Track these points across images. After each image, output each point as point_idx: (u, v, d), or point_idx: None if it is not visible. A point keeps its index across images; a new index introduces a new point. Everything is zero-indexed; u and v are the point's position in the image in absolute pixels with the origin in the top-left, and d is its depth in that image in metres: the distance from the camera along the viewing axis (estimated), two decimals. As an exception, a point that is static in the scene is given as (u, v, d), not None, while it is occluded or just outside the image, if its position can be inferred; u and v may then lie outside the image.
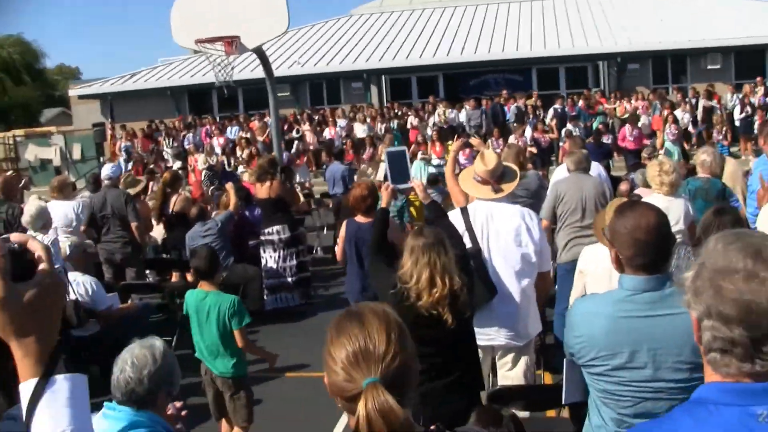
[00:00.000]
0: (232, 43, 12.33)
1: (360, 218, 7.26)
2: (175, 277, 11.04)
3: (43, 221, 8.00)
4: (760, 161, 7.92)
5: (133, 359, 3.27)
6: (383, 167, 9.50)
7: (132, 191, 10.91)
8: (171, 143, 25.76)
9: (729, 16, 30.69)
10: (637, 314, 3.07)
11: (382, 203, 5.10)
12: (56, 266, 4.64)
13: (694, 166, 12.39)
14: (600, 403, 3.24)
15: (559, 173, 10.32)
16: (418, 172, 19.92)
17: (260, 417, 6.38)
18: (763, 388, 1.71)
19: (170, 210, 11.49)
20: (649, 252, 3.07)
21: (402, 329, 2.03)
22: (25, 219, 7.98)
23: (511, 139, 21.74)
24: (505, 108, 25.67)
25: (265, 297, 10.65)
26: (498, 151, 20.56)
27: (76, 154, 30.79)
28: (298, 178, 21.35)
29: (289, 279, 10.51)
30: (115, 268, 10.11)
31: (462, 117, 25.61)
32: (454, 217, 5.44)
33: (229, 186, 11.53)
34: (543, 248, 5.52)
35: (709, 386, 1.80)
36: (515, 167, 5.90)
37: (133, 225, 10.09)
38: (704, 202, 8.76)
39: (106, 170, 10.70)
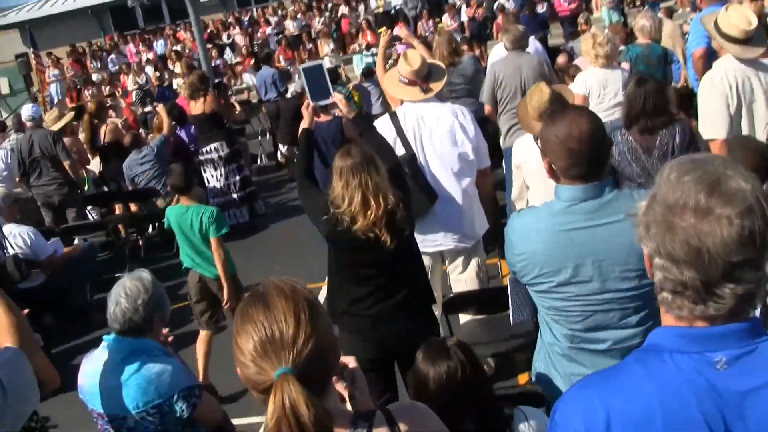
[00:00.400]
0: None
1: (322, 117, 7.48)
2: (118, 210, 10.80)
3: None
4: (696, 21, 7.78)
5: (126, 290, 3.45)
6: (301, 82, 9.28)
7: (57, 127, 10.46)
8: (97, 66, 24.94)
9: None
10: (578, 226, 2.92)
11: (304, 123, 4.85)
12: None
13: (632, 29, 12.29)
14: (550, 320, 3.15)
15: (497, 52, 10.08)
16: (358, 65, 19.66)
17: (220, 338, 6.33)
18: (720, 333, 1.61)
19: (101, 141, 11.14)
20: (585, 161, 2.88)
21: (314, 306, 1.86)
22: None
23: (445, 18, 21.38)
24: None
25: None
26: (428, 34, 20.34)
27: (4, 88, 29.84)
28: (244, 84, 20.99)
29: (235, 195, 10.31)
30: (54, 211, 9.78)
31: (393, 1, 24.89)
32: (383, 123, 5.26)
33: (161, 108, 11.23)
34: (479, 145, 5.36)
35: (663, 331, 1.70)
36: (441, 64, 5.69)
37: (66, 163, 9.71)
38: (646, 67, 8.67)
39: (27, 111, 10.22)
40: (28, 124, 10.02)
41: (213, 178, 10.33)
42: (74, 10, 30.43)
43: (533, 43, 9.82)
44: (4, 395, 2.73)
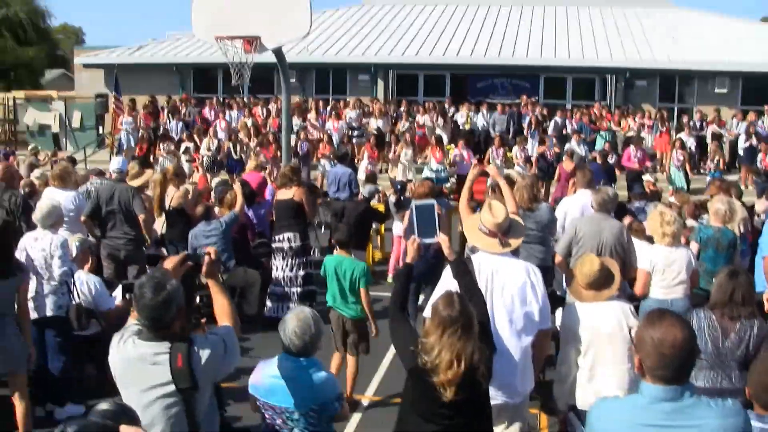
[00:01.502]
0: (252, 43, 12.22)
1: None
2: (173, 274, 10.93)
3: (53, 219, 7.86)
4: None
5: (298, 325, 4.65)
6: (407, 217, 9.87)
7: (136, 183, 10.75)
8: (171, 120, 25.48)
9: (740, 41, 30.79)
10: (656, 423, 3.15)
11: (408, 258, 5.03)
12: (64, 269, 6.53)
13: (702, 202, 12.43)
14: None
15: (569, 203, 10.31)
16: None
17: None
18: None
19: (167, 204, 11.39)
20: (672, 366, 3.14)
21: None
22: (36, 216, 7.85)
23: (515, 150, 21.73)
24: (522, 114, 25.50)
25: (268, 304, 10.57)
26: (498, 161, 20.72)
27: (76, 122, 30.64)
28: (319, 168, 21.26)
29: (295, 290, 10.41)
30: (117, 264, 9.99)
31: (479, 121, 25.38)
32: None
33: (237, 186, 11.45)
34: (545, 306, 5.48)
35: None
36: (521, 221, 5.86)
37: (141, 217, 10.00)
38: (715, 251, 8.85)
39: (115, 164, 10.56)
40: (114, 175, 10.32)
41: (278, 267, 10.48)
42: (161, 64, 31.28)
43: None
44: (224, 353, 4.11)
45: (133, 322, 4.19)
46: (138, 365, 3.99)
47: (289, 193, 10.63)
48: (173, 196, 11.47)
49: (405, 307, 4.92)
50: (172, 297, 3.98)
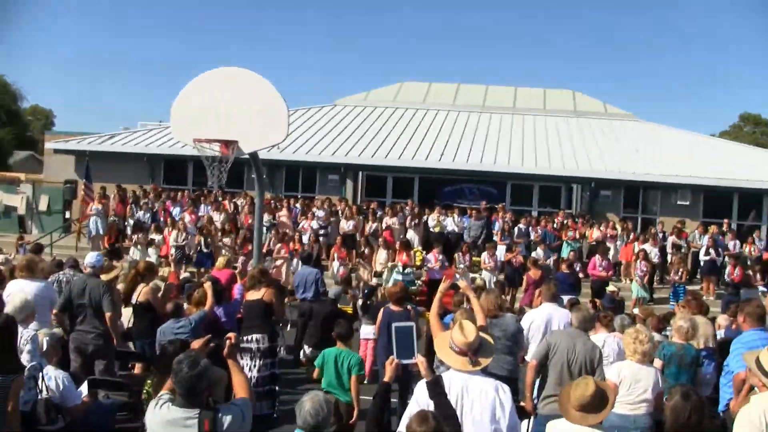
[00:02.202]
0: (229, 146, 12.43)
1: (393, 307, 11.20)
2: (137, 369, 10.92)
3: (25, 314, 7.92)
4: (741, 339, 8.11)
5: (313, 409, 5.27)
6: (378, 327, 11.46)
7: (106, 277, 10.82)
8: (137, 211, 25.55)
9: (701, 155, 31.90)
10: None
11: (386, 378, 5.24)
12: (33, 363, 6.25)
13: (665, 315, 12.71)
14: None
15: (534, 315, 10.58)
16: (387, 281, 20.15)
17: None
18: None
19: (135, 299, 11.41)
20: None
21: None
22: (8, 309, 7.89)
23: (484, 256, 22.05)
24: (493, 221, 25.80)
25: (232, 402, 10.53)
26: (461, 266, 20.99)
27: (43, 205, 30.62)
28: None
29: (260, 389, 10.41)
30: (84, 357, 9.96)
31: (449, 225, 25.67)
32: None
33: (207, 286, 11.52)
34: (514, 423, 5.63)
35: None
36: (490, 340, 6.03)
37: (108, 315, 9.99)
38: (677, 368, 9.11)
39: (91, 258, 10.63)
40: (88, 269, 10.38)
41: (246, 367, 10.48)
42: (133, 153, 31.44)
43: (567, 316, 10.31)
44: (243, 421, 5.08)
45: (165, 392, 5.26)
46: (170, 428, 4.99)
47: (259, 294, 10.74)
48: (142, 291, 11.49)
49: (381, 423, 5.08)
50: (204, 372, 4.98)
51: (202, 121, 12.46)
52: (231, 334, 5.80)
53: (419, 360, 5.30)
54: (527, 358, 9.50)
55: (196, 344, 5.57)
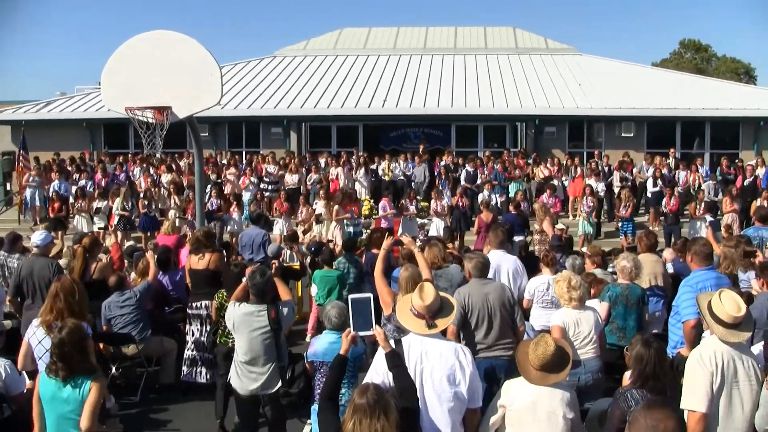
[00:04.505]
0: (163, 112, 12.14)
1: (375, 250, 12.06)
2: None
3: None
4: (689, 280, 8.15)
5: (337, 309, 7.39)
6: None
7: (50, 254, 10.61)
8: (80, 179, 24.92)
9: (642, 86, 32.12)
10: None
11: (341, 350, 5.25)
12: None
13: (607, 252, 12.79)
14: None
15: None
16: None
17: None
18: None
19: (90, 276, 11.20)
20: None
21: None
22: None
23: (432, 204, 21.98)
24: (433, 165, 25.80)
25: (184, 369, 10.43)
26: (412, 209, 20.95)
27: (-20, 179, 29.94)
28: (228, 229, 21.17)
29: (208, 355, 10.30)
30: (34, 342, 9.78)
31: (396, 171, 25.60)
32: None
33: (150, 255, 11.36)
34: (475, 386, 5.61)
35: None
36: (453, 301, 5.98)
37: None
38: (624, 308, 9.21)
39: (37, 237, 10.43)
40: (34, 250, 10.20)
41: (198, 332, 10.38)
42: (70, 120, 30.79)
43: (513, 262, 10.30)
44: (292, 314, 7.74)
45: (234, 301, 7.64)
46: (248, 317, 7.39)
47: (204, 262, 10.57)
48: (96, 267, 11.27)
49: (335, 397, 5.07)
50: (270, 280, 7.55)
51: (134, 89, 12.09)
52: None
53: (377, 331, 5.27)
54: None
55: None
